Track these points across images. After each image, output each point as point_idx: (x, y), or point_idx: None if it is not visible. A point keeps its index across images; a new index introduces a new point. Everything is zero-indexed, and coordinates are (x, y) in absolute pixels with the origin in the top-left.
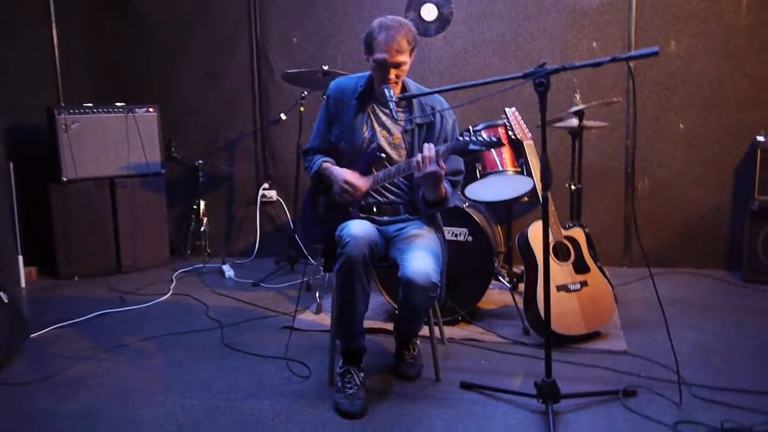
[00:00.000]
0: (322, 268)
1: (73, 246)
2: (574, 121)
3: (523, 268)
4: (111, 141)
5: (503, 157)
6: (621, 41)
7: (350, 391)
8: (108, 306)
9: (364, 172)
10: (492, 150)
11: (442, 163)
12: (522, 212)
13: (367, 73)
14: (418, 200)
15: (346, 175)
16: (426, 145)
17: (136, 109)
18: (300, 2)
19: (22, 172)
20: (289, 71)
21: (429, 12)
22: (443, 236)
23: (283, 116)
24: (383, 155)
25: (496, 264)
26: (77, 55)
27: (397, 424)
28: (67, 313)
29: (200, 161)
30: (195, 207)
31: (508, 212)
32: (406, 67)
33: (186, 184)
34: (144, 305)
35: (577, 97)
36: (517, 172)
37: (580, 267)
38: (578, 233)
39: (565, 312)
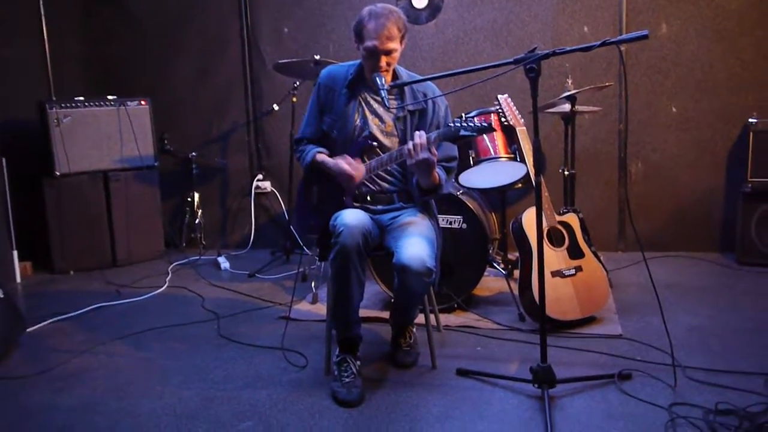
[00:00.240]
0: (317, 258)
1: (67, 240)
2: (566, 107)
3: (517, 254)
4: (103, 134)
5: (496, 143)
6: (612, 26)
7: (347, 380)
8: (104, 299)
9: None
10: (485, 136)
11: (434, 149)
12: (516, 199)
13: (358, 61)
14: (412, 187)
15: (341, 165)
16: (417, 132)
17: (128, 102)
18: None
19: (14, 167)
20: (280, 61)
21: None
22: (437, 223)
23: (275, 107)
24: (374, 143)
25: (490, 251)
26: (68, 49)
27: (394, 411)
28: (63, 307)
29: (194, 153)
30: (189, 199)
31: (502, 199)
32: (396, 55)
33: (180, 176)
34: (140, 298)
35: (569, 82)
36: (510, 159)
37: (575, 252)
38: (572, 218)
39: (560, 297)
